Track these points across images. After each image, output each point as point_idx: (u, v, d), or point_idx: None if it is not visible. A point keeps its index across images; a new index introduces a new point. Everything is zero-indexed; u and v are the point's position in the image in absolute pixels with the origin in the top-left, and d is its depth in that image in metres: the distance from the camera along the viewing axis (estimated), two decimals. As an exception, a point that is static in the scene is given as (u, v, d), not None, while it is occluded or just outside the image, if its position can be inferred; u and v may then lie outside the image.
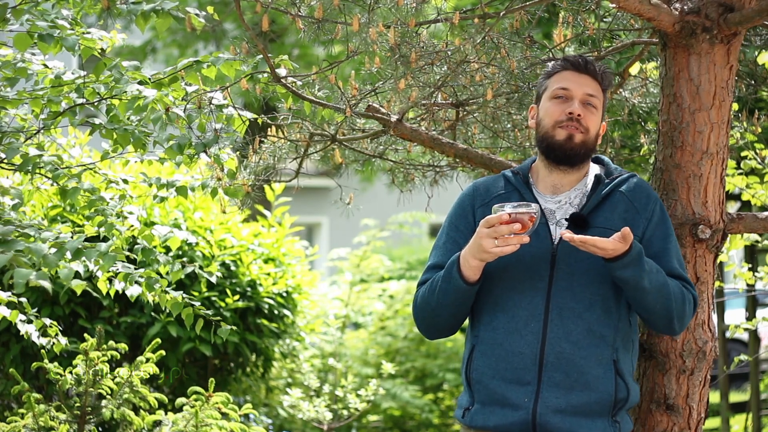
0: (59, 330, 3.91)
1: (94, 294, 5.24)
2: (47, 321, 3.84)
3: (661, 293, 2.78)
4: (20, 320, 3.79)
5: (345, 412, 6.98)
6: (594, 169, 2.98)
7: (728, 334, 6.03)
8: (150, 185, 3.80)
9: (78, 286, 3.38)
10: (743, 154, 4.67)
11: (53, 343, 3.87)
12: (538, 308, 2.80)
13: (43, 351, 3.97)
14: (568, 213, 2.87)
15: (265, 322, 5.91)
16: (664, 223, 2.90)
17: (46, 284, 2.81)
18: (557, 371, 2.77)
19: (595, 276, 2.80)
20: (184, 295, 3.58)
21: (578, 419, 2.76)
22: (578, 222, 2.84)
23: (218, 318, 3.69)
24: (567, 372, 2.77)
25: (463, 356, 2.93)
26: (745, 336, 9.80)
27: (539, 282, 2.81)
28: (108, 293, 3.82)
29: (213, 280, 3.71)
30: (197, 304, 3.61)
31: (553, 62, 3.00)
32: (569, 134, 2.86)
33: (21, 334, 3.89)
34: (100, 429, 4.13)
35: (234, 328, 3.83)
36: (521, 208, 2.67)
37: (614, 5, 3.29)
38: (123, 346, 4.01)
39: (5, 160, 3.46)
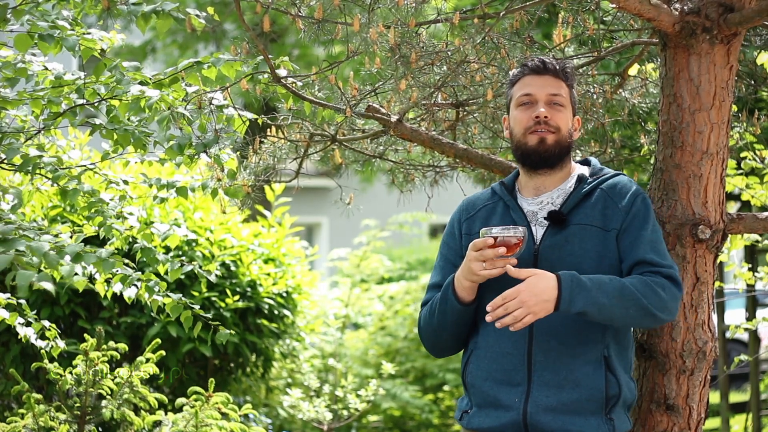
0: (58, 333, 3.91)
1: (95, 289, 5.23)
2: (46, 323, 3.84)
3: (624, 299, 2.73)
4: (19, 323, 3.79)
5: (345, 413, 6.98)
6: (581, 170, 2.99)
7: (728, 334, 6.02)
8: (150, 186, 3.80)
9: (80, 282, 3.38)
10: (743, 154, 4.67)
11: (51, 346, 3.87)
12: None
13: (43, 351, 3.97)
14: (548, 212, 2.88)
15: (265, 322, 5.91)
16: (642, 214, 2.86)
17: (49, 286, 2.81)
18: (546, 370, 2.78)
19: (577, 272, 2.79)
20: (183, 298, 3.58)
21: (570, 417, 2.76)
22: (556, 219, 2.85)
23: (217, 322, 3.69)
24: (556, 371, 2.78)
25: (462, 360, 2.96)
26: (745, 336, 9.80)
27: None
28: (107, 294, 3.82)
29: (212, 279, 3.71)
30: (197, 307, 3.61)
31: (512, 71, 3.02)
32: (540, 138, 2.88)
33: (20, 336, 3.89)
34: (100, 429, 4.12)
35: (232, 332, 3.83)
36: (508, 231, 2.72)
37: (614, 5, 3.29)
38: (123, 347, 4.01)
39: (5, 161, 3.46)
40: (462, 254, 2.90)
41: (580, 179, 2.93)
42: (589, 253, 2.82)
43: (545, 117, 2.87)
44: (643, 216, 2.87)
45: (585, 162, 3.05)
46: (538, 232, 2.87)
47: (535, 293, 2.68)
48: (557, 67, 2.92)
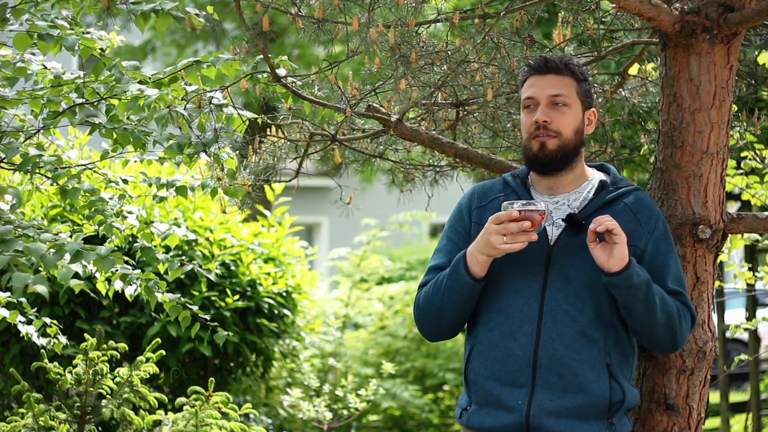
0: (59, 329, 3.91)
1: (93, 295, 5.23)
2: (47, 320, 3.83)
3: (665, 305, 2.77)
4: (20, 321, 3.78)
5: (345, 412, 6.98)
6: (599, 176, 2.96)
7: (728, 334, 6.03)
8: (150, 185, 3.80)
9: (77, 285, 3.37)
10: (743, 154, 4.67)
11: (53, 343, 3.87)
12: (532, 310, 2.79)
13: (43, 351, 3.97)
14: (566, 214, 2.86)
15: (265, 321, 5.91)
16: (666, 238, 2.88)
17: (43, 289, 2.80)
18: (551, 373, 2.76)
19: (589, 279, 2.79)
20: (182, 298, 3.57)
21: (572, 422, 2.75)
22: (574, 223, 2.82)
23: (215, 323, 3.69)
24: (561, 374, 2.76)
25: (463, 356, 2.93)
26: (745, 336, 9.80)
27: (534, 283, 2.80)
28: (108, 293, 3.82)
29: (212, 277, 3.70)
30: (195, 308, 3.60)
31: (521, 70, 2.98)
32: (541, 144, 2.84)
33: (21, 334, 3.89)
34: (100, 429, 4.13)
35: (230, 333, 3.82)
36: (530, 205, 2.68)
37: (614, 5, 3.29)
38: (123, 346, 4.01)
39: (5, 160, 3.46)
40: (470, 240, 2.85)
41: (602, 185, 2.91)
42: None
43: (544, 122, 2.83)
44: (668, 241, 2.88)
45: (602, 168, 3.01)
46: (553, 232, 2.84)
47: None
48: (559, 64, 2.87)
